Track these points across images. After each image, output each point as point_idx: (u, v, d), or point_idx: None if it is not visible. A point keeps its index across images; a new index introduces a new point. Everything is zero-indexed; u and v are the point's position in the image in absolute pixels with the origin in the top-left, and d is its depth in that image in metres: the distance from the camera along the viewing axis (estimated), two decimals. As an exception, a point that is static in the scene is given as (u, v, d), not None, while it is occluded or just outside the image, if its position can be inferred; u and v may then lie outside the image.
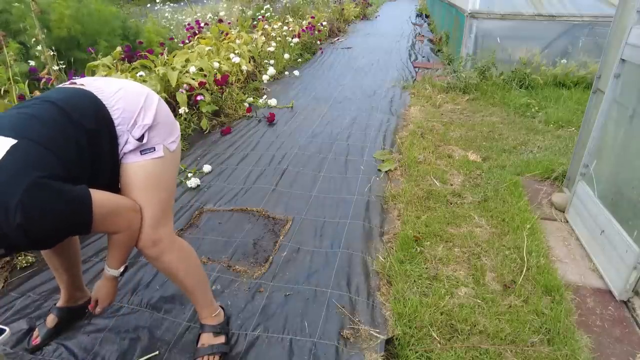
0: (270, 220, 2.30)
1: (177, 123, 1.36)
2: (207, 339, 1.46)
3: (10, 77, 2.48)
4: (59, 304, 1.57)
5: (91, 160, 1.12)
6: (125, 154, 1.21)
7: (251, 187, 2.65)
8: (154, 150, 1.22)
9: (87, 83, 1.20)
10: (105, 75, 2.94)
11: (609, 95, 1.97)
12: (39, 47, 3.10)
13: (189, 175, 2.79)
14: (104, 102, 1.15)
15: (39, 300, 1.73)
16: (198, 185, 2.68)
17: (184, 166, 2.95)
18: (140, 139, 1.18)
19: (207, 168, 2.88)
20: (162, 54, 4.00)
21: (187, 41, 5.20)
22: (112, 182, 1.23)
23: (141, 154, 1.21)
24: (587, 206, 2.07)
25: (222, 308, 1.57)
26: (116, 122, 1.15)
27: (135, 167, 1.21)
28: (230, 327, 1.57)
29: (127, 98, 1.19)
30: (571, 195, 2.26)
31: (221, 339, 1.48)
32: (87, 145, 1.09)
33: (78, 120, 1.09)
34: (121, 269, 1.29)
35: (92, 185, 1.09)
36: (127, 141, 1.18)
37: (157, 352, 1.49)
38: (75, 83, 1.21)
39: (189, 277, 1.39)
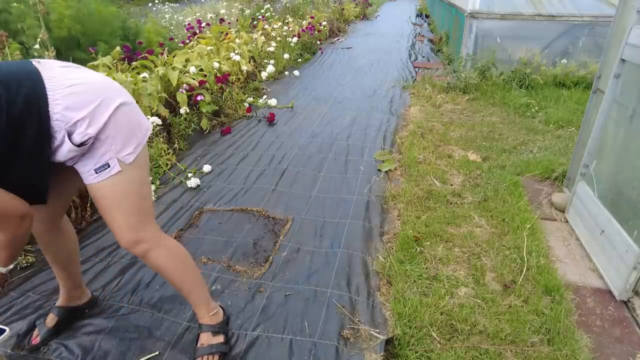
0: (270, 220, 2.30)
1: (144, 127, 1.24)
2: (206, 339, 1.46)
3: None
4: (59, 303, 1.57)
5: (7, 146, 1.04)
6: (83, 172, 1.17)
7: (251, 187, 2.65)
8: (108, 167, 1.16)
9: (49, 67, 1.11)
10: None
11: (609, 95, 1.97)
12: (39, 47, 3.09)
13: (189, 175, 2.79)
14: (48, 93, 1.06)
15: (39, 300, 1.73)
16: (198, 185, 2.68)
17: (184, 166, 2.95)
18: (81, 145, 1.11)
19: (207, 168, 2.88)
20: (162, 54, 4.00)
21: (187, 41, 5.20)
22: (29, 179, 1.14)
23: (96, 173, 1.16)
24: (587, 206, 2.07)
25: (222, 308, 1.57)
26: (54, 117, 1.06)
27: (97, 188, 1.19)
28: (229, 327, 1.57)
29: (75, 97, 1.08)
30: (571, 195, 2.26)
31: (220, 339, 1.47)
32: (4, 129, 1.02)
33: (2, 101, 1.01)
34: (10, 267, 1.27)
35: (4, 175, 1.05)
36: (64, 141, 1.09)
37: (157, 352, 1.49)
38: (39, 62, 1.12)
39: (179, 275, 1.38)
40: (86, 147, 1.12)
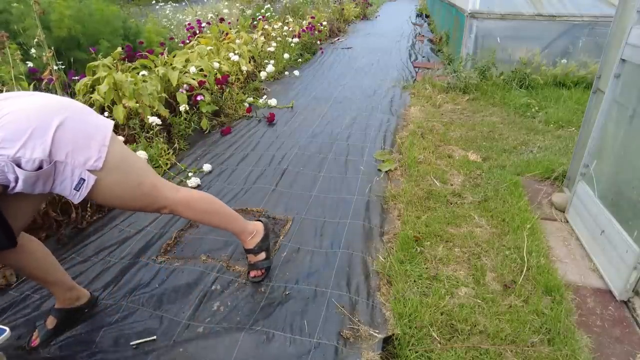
0: (270, 220, 2.30)
1: (101, 128, 1.23)
2: (252, 258, 1.79)
3: (13, 77, 2.48)
4: (57, 305, 1.57)
5: None
6: (68, 195, 1.19)
7: (251, 187, 2.65)
8: (84, 181, 1.18)
9: None
10: (106, 76, 2.93)
11: (609, 95, 1.97)
12: (38, 48, 3.10)
13: (189, 174, 2.79)
14: None
15: (39, 301, 1.73)
16: (198, 185, 2.68)
17: (184, 166, 2.95)
18: (38, 169, 1.11)
19: (207, 167, 2.88)
20: (162, 53, 4.00)
21: (187, 41, 5.20)
22: None
23: (77, 190, 1.18)
24: (587, 206, 2.07)
25: (263, 223, 1.82)
26: None
27: (93, 199, 1.25)
28: (269, 241, 1.83)
29: (7, 128, 1.08)
30: (571, 195, 2.26)
31: (262, 256, 1.79)
32: None
33: None
34: None
35: None
36: (16, 172, 1.08)
37: (154, 337, 1.52)
38: None
39: (207, 220, 1.61)
40: (46, 171, 1.12)
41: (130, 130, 2.91)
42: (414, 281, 1.82)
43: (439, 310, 1.66)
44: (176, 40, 5.64)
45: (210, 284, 1.81)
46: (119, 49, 3.45)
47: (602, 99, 2.02)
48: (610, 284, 1.81)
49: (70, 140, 1.15)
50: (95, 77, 3.02)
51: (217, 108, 3.82)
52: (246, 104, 4.09)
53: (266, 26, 6.35)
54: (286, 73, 5.62)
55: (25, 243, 1.38)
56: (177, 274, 1.87)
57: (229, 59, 4.53)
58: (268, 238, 1.83)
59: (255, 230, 1.77)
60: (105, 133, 1.24)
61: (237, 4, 8.76)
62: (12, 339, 1.53)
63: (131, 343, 1.51)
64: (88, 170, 1.18)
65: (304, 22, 7.71)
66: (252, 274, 1.81)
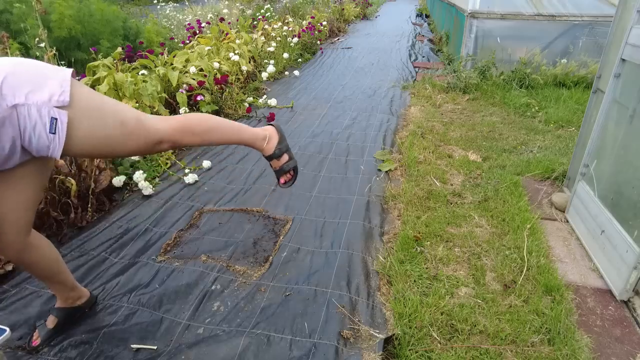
0: (271, 220, 2.30)
1: (60, 70, 1.13)
2: (275, 164, 1.59)
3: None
4: (58, 304, 1.57)
5: None
6: (49, 147, 1.07)
7: (251, 187, 2.65)
8: (56, 119, 1.07)
9: None
10: (106, 76, 2.93)
11: (609, 95, 1.97)
12: (41, 46, 3.10)
13: (187, 171, 2.79)
14: None
15: (40, 300, 1.73)
16: (196, 181, 2.68)
17: (184, 163, 2.94)
18: None
19: (206, 164, 2.88)
20: (162, 53, 4.00)
21: (187, 41, 5.21)
22: None
23: (53, 133, 1.07)
24: (587, 206, 2.07)
25: (274, 125, 1.59)
26: None
27: (75, 151, 1.13)
28: (287, 142, 1.61)
29: None
30: (571, 195, 2.26)
31: (285, 158, 1.58)
32: None
33: None
34: None
35: None
36: None
37: (155, 347, 1.49)
38: None
39: (211, 138, 1.42)
40: (2, 115, 1.02)
41: (130, 130, 2.90)
42: (414, 281, 1.82)
43: (439, 310, 1.66)
44: (176, 40, 5.64)
45: (210, 284, 1.81)
46: (119, 49, 3.45)
47: (602, 98, 2.02)
48: (610, 284, 1.81)
49: (25, 81, 1.05)
50: (95, 77, 3.02)
51: (217, 108, 3.82)
52: (246, 104, 4.09)
53: (266, 26, 6.36)
54: (286, 73, 5.62)
55: (36, 242, 1.36)
56: (177, 274, 1.87)
57: (229, 59, 4.53)
58: (285, 139, 1.63)
59: (267, 135, 1.57)
60: (65, 73, 1.13)
61: (237, 4, 8.77)
62: (12, 339, 1.53)
63: (132, 346, 1.50)
64: (56, 107, 1.07)
65: (304, 22, 7.71)
66: (282, 180, 1.61)
